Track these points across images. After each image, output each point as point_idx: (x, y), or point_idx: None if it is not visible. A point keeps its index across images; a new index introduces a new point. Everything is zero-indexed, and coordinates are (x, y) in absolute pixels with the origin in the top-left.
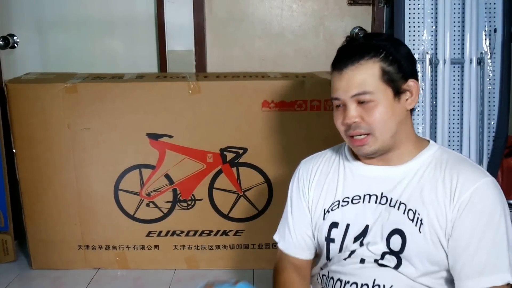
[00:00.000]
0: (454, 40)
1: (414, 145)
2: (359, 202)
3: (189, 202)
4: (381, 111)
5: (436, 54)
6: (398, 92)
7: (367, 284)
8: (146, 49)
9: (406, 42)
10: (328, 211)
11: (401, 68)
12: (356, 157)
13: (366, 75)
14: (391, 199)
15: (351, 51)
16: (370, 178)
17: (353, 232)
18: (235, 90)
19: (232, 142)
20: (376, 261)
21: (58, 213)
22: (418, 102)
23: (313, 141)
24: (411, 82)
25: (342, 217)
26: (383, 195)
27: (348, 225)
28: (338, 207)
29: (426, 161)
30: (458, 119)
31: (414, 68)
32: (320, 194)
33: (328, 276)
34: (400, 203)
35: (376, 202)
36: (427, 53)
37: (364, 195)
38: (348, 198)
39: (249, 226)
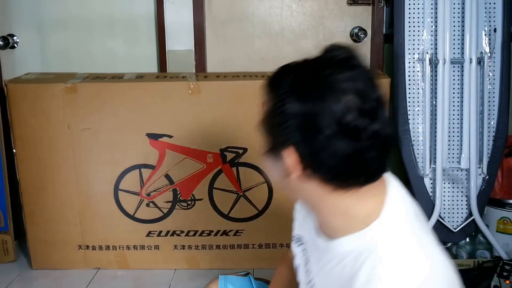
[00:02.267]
0: (454, 40)
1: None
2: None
3: (189, 202)
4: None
5: (436, 54)
6: (276, 151)
7: None
8: (146, 49)
9: (406, 42)
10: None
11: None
12: None
13: (263, 112)
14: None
15: None
16: None
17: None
18: (235, 90)
19: (232, 142)
20: None
21: (58, 213)
22: (417, 102)
23: None
24: (289, 151)
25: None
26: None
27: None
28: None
29: (346, 248)
30: (458, 119)
31: None
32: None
33: None
34: None
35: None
36: (427, 52)
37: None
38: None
39: (249, 226)
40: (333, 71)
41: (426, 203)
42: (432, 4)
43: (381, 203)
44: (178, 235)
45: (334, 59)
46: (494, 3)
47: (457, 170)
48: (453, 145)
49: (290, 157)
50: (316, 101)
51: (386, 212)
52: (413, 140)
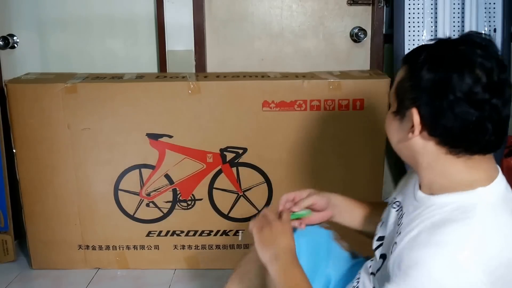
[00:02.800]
0: None
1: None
2: None
3: (189, 202)
4: (388, 121)
5: None
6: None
7: None
8: (146, 49)
9: (406, 42)
10: None
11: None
12: None
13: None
14: None
15: None
16: None
17: None
18: (235, 90)
19: (232, 142)
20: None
21: (58, 213)
22: None
23: (313, 141)
24: (413, 111)
25: None
26: None
27: None
28: None
29: (445, 203)
30: None
31: None
32: None
33: None
34: None
35: None
36: None
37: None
38: None
39: None
40: (468, 47)
41: None
42: (432, 4)
43: (489, 178)
44: (178, 235)
45: (470, 38)
46: (494, 3)
47: None
48: None
49: (415, 116)
50: (448, 70)
51: (493, 186)
52: None
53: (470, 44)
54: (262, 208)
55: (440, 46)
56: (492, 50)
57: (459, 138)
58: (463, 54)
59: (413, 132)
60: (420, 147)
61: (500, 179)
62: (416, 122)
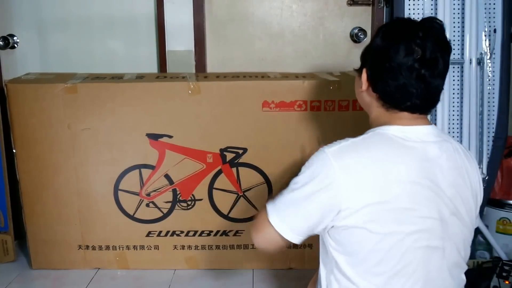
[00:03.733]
0: (454, 40)
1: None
2: None
3: (189, 202)
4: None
5: None
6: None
7: None
8: (146, 49)
9: None
10: None
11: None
12: None
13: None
14: None
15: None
16: None
17: None
18: (235, 90)
19: (232, 142)
20: None
21: (58, 213)
22: None
23: (313, 141)
24: (364, 70)
25: None
26: None
27: None
28: None
29: None
30: (457, 120)
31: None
32: None
33: None
34: None
35: None
36: None
37: None
38: None
39: (249, 226)
40: (413, 27)
41: None
42: (432, 5)
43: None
44: (178, 235)
45: (422, 21)
46: (494, 4)
47: None
48: None
49: (363, 74)
50: (390, 41)
51: (393, 128)
52: None
53: (417, 25)
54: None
55: (398, 22)
56: (435, 33)
57: (390, 97)
58: (406, 32)
59: (361, 87)
60: (368, 100)
61: (408, 129)
62: (364, 80)
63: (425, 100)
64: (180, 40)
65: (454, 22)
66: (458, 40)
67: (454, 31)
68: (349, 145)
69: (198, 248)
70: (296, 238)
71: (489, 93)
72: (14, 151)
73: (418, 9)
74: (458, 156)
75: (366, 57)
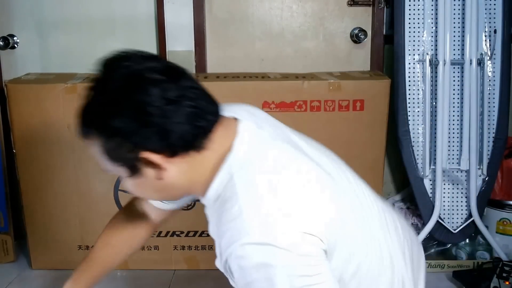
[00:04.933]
0: (454, 41)
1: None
2: None
3: (189, 203)
4: (130, 187)
5: (436, 55)
6: (134, 169)
7: None
8: (146, 50)
9: (406, 43)
10: None
11: (124, 141)
12: None
13: (96, 154)
14: None
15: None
16: None
17: None
18: (235, 91)
19: None
20: None
21: (58, 213)
22: (417, 103)
23: None
24: (144, 155)
25: None
26: None
27: None
28: None
29: (213, 197)
30: (458, 120)
31: (152, 133)
32: None
33: None
34: None
35: None
36: (427, 53)
37: None
38: None
39: None
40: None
41: (426, 204)
42: (432, 5)
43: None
44: (177, 235)
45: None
46: (494, 4)
47: (457, 171)
48: (453, 146)
49: (151, 158)
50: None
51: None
52: (413, 141)
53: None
54: None
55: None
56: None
57: (171, 147)
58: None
59: (162, 172)
60: (176, 175)
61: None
62: (158, 161)
63: (194, 131)
64: (180, 41)
65: (454, 22)
66: (459, 41)
67: (454, 31)
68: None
69: (198, 248)
70: None
71: (489, 94)
72: (14, 151)
73: (418, 9)
74: None
75: (130, 146)
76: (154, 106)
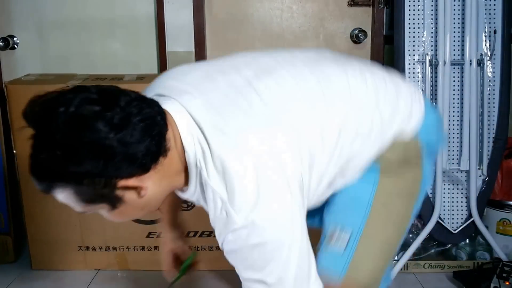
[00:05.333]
0: (454, 41)
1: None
2: None
3: (189, 203)
4: (116, 217)
5: (436, 55)
6: (115, 200)
7: None
8: (146, 51)
9: (406, 44)
10: None
11: (97, 180)
12: None
13: (68, 200)
14: None
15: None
16: None
17: None
18: None
19: None
20: None
21: (58, 214)
22: None
23: None
24: (121, 184)
25: None
26: None
27: None
28: None
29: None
30: (458, 120)
31: (118, 160)
32: None
33: None
34: None
35: None
36: (427, 54)
37: None
38: None
39: None
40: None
41: (426, 205)
42: (432, 6)
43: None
44: None
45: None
46: (494, 5)
47: (457, 172)
48: (453, 146)
49: (129, 182)
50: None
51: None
52: None
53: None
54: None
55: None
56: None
57: (141, 166)
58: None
59: (142, 190)
60: (155, 186)
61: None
62: (135, 183)
63: (150, 150)
64: (180, 41)
65: (454, 23)
66: (459, 41)
67: (454, 32)
68: None
69: (198, 248)
70: None
71: (489, 94)
72: (14, 151)
73: (418, 9)
74: None
75: (113, 166)
76: (108, 138)
